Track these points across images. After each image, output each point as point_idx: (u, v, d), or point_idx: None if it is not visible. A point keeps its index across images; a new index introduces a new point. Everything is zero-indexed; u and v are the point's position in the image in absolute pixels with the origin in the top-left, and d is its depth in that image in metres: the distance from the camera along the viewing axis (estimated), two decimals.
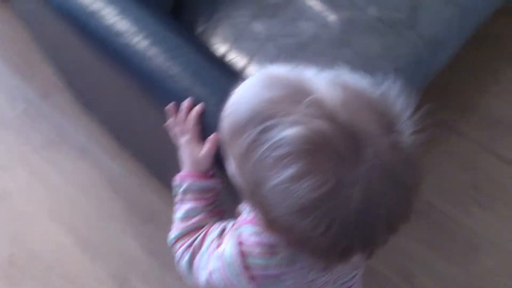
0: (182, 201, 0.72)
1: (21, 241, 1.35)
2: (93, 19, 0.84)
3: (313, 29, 1.11)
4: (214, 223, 0.69)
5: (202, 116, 0.73)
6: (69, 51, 1.06)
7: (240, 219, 0.64)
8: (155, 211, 1.34)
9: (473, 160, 1.41)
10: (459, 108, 1.48)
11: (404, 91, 0.52)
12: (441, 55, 1.15)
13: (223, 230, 0.65)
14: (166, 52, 0.79)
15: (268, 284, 0.60)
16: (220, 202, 0.74)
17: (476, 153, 1.42)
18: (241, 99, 0.53)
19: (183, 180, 0.72)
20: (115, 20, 0.83)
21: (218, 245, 0.63)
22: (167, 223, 0.73)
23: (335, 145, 0.46)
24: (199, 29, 1.16)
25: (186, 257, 0.67)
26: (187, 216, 0.71)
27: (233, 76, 0.73)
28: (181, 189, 0.72)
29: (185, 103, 0.74)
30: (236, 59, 1.10)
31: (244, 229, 0.60)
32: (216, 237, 0.64)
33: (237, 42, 1.13)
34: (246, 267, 0.58)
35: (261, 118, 0.48)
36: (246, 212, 0.63)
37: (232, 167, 0.54)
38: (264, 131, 0.48)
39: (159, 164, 1.20)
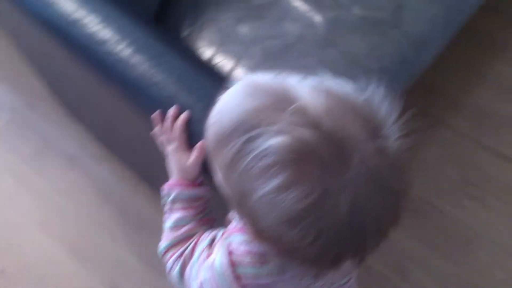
0: (171, 210, 0.72)
1: (12, 253, 1.34)
2: (75, 28, 0.83)
3: (298, 29, 1.11)
4: (204, 232, 0.68)
5: (188, 124, 0.73)
6: (53, 60, 1.04)
7: (230, 227, 0.63)
8: (147, 217, 1.33)
9: (463, 154, 1.42)
10: (447, 104, 1.48)
11: (388, 96, 0.51)
12: (426, 53, 1.15)
13: (213, 240, 0.64)
14: (150, 60, 0.79)
15: None
16: (210, 210, 0.73)
17: (467, 147, 1.43)
18: (224, 108, 0.52)
19: (171, 189, 0.72)
20: (98, 28, 0.82)
21: (208, 255, 0.62)
22: (159, 230, 0.73)
23: (320, 154, 0.46)
24: (185, 32, 1.16)
25: (177, 267, 0.67)
26: (176, 226, 0.70)
27: (219, 82, 0.72)
28: (170, 198, 0.72)
29: (171, 111, 0.73)
30: (223, 62, 1.10)
31: (234, 238, 0.60)
32: (206, 246, 0.64)
33: (223, 45, 1.12)
34: (237, 277, 0.58)
35: (246, 128, 0.48)
36: (236, 221, 0.63)
37: (218, 176, 0.54)
38: (249, 141, 0.47)
39: (149, 170, 1.20)
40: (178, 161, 0.72)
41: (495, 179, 1.38)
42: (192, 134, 0.73)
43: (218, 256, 0.60)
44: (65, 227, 1.36)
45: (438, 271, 1.28)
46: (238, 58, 1.10)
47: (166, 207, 0.72)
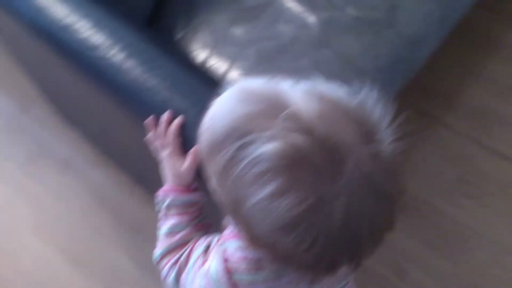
0: (166, 216, 0.71)
1: (7, 258, 1.33)
2: (67, 33, 0.82)
3: (292, 31, 1.11)
4: (200, 238, 0.68)
5: (182, 129, 0.72)
6: (45, 65, 1.04)
7: (225, 233, 0.63)
8: (142, 221, 1.32)
9: (460, 152, 1.42)
10: (443, 103, 1.48)
11: (381, 99, 0.51)
12: (421, 53, 1.15)
13: (208, 246, 0.64)
14: (142, 64, 0.78)
15: None
16: (205, 216, 0.73)
17: (463, 145, 1.42)
18: (217, 115, 0.52)
19: (166, 195, 0.71)
20: (90, 33, 0.82)
21: (204, 262, 0.62)
22: (155, 234, 0.72)
23: (313, 160, 0.45)
24: (178, 35, 1.15)
25: (173, 274, 0.66)
26: (171, 232, 0.70)
27: (213, 85, 0.72)
28: (164, 204, 0.71)
29: (164, 116, 0.73)
30: (217, 64, 1.09)
31: (229, 244, 0.60)
32: (202, 253, 0.63)
33: (217, 47, 1.12)
34: (233, 284, 0.58)
35: (238, 135, 0.48)
36: (231, 226, 0.63)
37: (212, 182, 0.53)
38: (242, 147, 0.47)
39: (145, 174, 1.19)
40: (172, 167, 0.72)
41: (493, 178, 1.38)
42: (186, 139, 0.72)
43: (213, 263, 0.60)
44: (60, 232, 1.35)
45: (437, 271, 1.27)
46: (233, 60, 1.09)
47: (161, 213, 0.72)
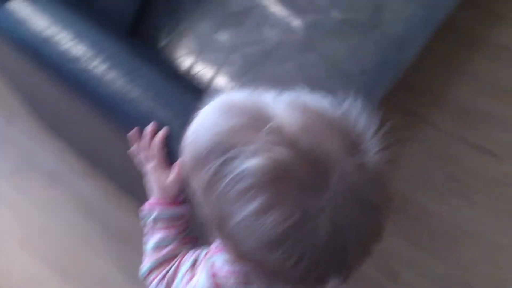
0: (152, 230, 0.70)
1: None
2: (47, 46, 0.81)
3: (277, 35, 1.10)
4: (188, 252, 0.67)
5: (167, 141, 0.71)
6: (27, 77, 1.02)
7: (213, 247, 0.62)
8: (131, 232, 1.31)
9: (446, 151, 1.42)
10: (429, 101, 1.48)
11: (366, 108, 0.50)
12: (407, 53, 1.15)
13: (196, 260, 0.63)
14: (125, 75, 0.77)
15: None
16: (192, 229, 0.72)
17: (450, 144, 1.43)
18: (200, 129, 0.51)
19: (152, 208, 0.70)
20: (70, 45, 0.80)
21: (191, 277, 0.61)
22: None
23: (297, 174, 0.45)
24: (162, 43, 1.14)
25: None
26: (158, 246, 0.69)
27: (198, 94, 0.71)
28: (151, 218, 0.70)
29: (148, 128, 0.72)
30: (203, 71, 1.08)
31: (216, 258, 0.59)
32: (189, 268, 0.63)
33: (202, 53, 1.11)
34: None
35: (221, 150, 0.47)
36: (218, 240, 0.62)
37: (196, 198, 0.52)
38: (225, 163, 0.46)
39: (132, 183, 1.18)
40: (157, 180, 0.71)
41: (480, 175, 1.38)
42: (171, 151, 0.71)
43: (201, 278, 0.59)
44: (47, 245, 1.33)
45: (428, 271, 1.27)
46: (219, 66, 1.08)
47: (147, 227, 0.71)
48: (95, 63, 0.78)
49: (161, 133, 0.71)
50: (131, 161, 0.78)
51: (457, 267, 1.27)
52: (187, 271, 0.63)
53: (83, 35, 0.81)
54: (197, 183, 0.50)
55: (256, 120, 0.47)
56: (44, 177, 1.41)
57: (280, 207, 0.44)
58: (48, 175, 1.41)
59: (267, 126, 0.46)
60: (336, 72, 1.05)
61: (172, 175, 0.70)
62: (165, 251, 0.68)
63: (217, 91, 0.54)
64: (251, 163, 0.45)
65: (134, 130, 0.73)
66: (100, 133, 0.93)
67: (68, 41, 0.80)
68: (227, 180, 0.46)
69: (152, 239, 0.69)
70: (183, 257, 0.66)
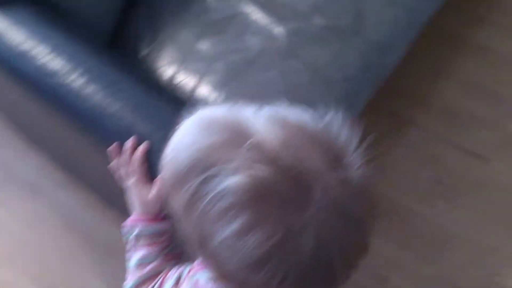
0: (135, 247, 0.69)
1: None
2: (23, 60, 0.80)
3: (259, 43, 1.09)
4: (172, 268, 0.66)
5: (147, 155, 0.70)
6: (4, 92, 1.00)
7: (196, 263, 0.61)
8: (116, 244, 1.28)
9: (433, 153, 1.42)
10: (413, 103, 1.48)
11: (347, 121, 0.50)
12: (390, 57, 1.15)
13: (179, 277, 0.62)
14: (104, 89, 0.76)
15: None
16: (176, 244, 0.70)
17: (436, 146, 1.43)
18: (179, 146, 0.50)
19: (133, 225, 0.69)
20: (48, 59, 0.79)
21: None
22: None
23: (279, 191, 0.44)
24: (143, 52, 1.12)
25: None
26: (141, 263, 0.67)
27: (179, 106, 0.70)
28: (132, 235, 0.69)
29: (128, 143, 0.70)
30: (185, 81, 1.07)
31: (200, 276, 0.58)
32: (173, 285, 0.62)
33: (184, 63, 1.09)
34: None
35: (201, 168, 0.46)
36: None
37: (177, 217, 0.51)
38: (205, 181, 0.45)
39: (115, 197, 1.16)
40: (139, 195, 0.70)
41: (466, 177, 1.39)
42: (152, 166, 0.70)
43: None
44: (31, 261, 1.31)
45: (417, 274, 1.27)
46: (201, 75, 1.07)
47: (129, 244, 0.70)
48: (73, 77, 0.77)
49: (141, 148, 0.70)
50: (112, 176, 0.77)
51: (445, 269, 1.27)
52: None
53: (61, 48, 0.80)
54: (177, 202, 0.49)
55: (236, 137, 0.46)
56: (24, 190, 1.38)
57: (262, 226, 0.43)
58: (29, 187, 1.39)
59: (248, 142, 0.45)
60: (319, 78, 1.05)
61: (153, 190, 0.68)
62: (148, 268, 0.67)
63: (196, 106, 0.53)
64: (231, 181, 0.44)
65: (114, 145, 0.72)
66: (80, 147, 0.91)
67: (45, 55, 0.79)
68: (207, 199, 0.45)
69: (135, 256, 0.68)
70: (166, 274, 0.65)
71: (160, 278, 0.65)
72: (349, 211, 0.47)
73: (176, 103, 0.79)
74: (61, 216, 1.35)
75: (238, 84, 1.05)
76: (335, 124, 0.49)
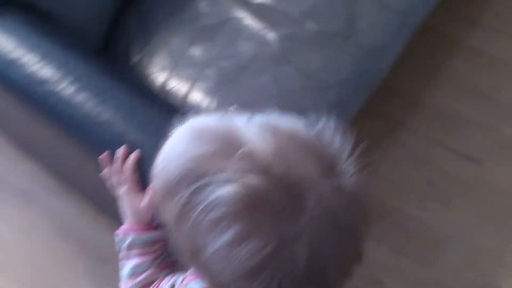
0: (127, 257, 0.68)
1: None
2: (13, 69, 0.79)
3: (252, 48, 1.09)
4: (165, 277, 0.65)
5: (139, 163, 0.70)
6: None
7: (188, 273, 0.60)
8: (110, 251, 1.26)
9: (425, 156, 1.42)
10: (406, 105, 1.48)
11: (340, 128, 0.50)
12: (383, 61, 1.15)
13: (172, 287, 0.62)
14: (94, 97, 0.75)
15: None
16: (170, 253, 0.70)
17: (429, 148, 1.43)
18: (170, 156, 0.49)
19: (126, 234, 0.68)
20: (37, 67, 0.78)
21: None
22: None
23: (271, 201, 0.43)
24: (135, 58, 1.11)
25: None
26: (134, 273, 0.67)
27: (171, 113, 0.69)
28: (125, 244, 0.68)
29: (119, 152, 0.70)
30: (177, 87, 1.06)
31: (193, 285, 0.57)
32: None
33: (176, 69, 1.09)
34: None
35: (193, 178, 0.45)
36: None
37: (168, 227, 0.51)
38: (197, 191, 0.45)
39: (108, 204, 1.15)
40: (131, 204, 0.69)
41: (459, 180, 1.39)
42: (144, 174, 0.69)
43: None
44: (24, 269, 1.29)
45: (412, 277, 1.27)
46: (193, 81, 1.07)
47: (122, 253, 0.69)
48: (63, 85, 0.76)
49: (132, 156, 0.69)
50: (104, 184, 0.76)
51: (440, 272, 1.27)
52: None
53: (51, 56, 0.79)
54: (169, 213, 0.48)
55: (227, 146, 0.46)
56: (17, 198, 1.37)
57: (255, 236, 0.43)
58: (21, 195, 1.38)
59: (239, 152, 0.45)
60: (312, 84, 1.05)
61: (145, 199, 0.68)
62: (141, 277, 0.66)
63: (188, 114, 0.53)
64: (223, 191, 0.43)
65: (105, 154, 0.71)
66: (71, 156, 0.90)
67: (34, 63, 0.78)
68: (199, 209, 0.44)
69: (128, 265, 0.68)
70: (159, 283, 0.64)
71: (153, 287, 0.64)
72: (342, 219, 0.46)
73: (168, 111, 0.78)
74: (54, 224, 1.34)
75: (230, 90, 1.05)
76: (328, 131, 0.49)
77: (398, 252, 1.29)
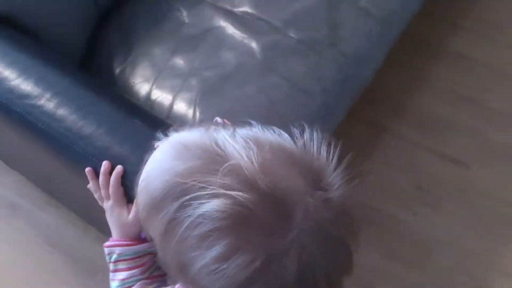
0: (116, 270, 0.67)
1: None
2: None
3: (236, 58, 1.08)
4: None
5: (124, 178, 0.69)
6: None
7: (178, 286, 0.59)
8: (99, 261, 1.25)
9: (412, 161, 1.43)
10: (391, 111, 1.49)
11: (325, 140, 0.49)
12: (366, 68, 1.15)
13: None
14: (76, 111, 0.74)
15: None
16: (158, 265, 0.69)
17: (414, 153, 1.43)
18: (153, 173, 0.48)
19: (113, 247, 0.67)
20: (17, 82, 0.77)
21: None
22: None
23: (258, 216, 0.43)
24: (117, 70, 1.10)
25: None
26: (123, 287, 0.66)
27: (154, 127, 0.69)
28: (113, 257, 0.67)
29: (102, 168, 0.69)
30: (160, 98, 1.05)
31: None
32: None
33: (158, 80, 1.08)
34: None
35: (177, 193, 0.44)
36: None
37: (154, 244, 0.50)
38: (182, 207, 0.44)
39: (96, 214, 1.14)
40: (117, 218, 0.68)
41: (447, 184, 1.39)
42: (129, 188, 0.68)
43: None
44: (15, 281, 1.28)
45: (404, 282, 1.27)
46: (176, 92, 1.06)
47: (111, 267, 0.68)
48: (44, 99, 0.75)
49: (116, 172, 0.68)
50: (90, 196, 0.75)
51: (432, 277, 1.27)
52: None
53: (30, 71, 0.78)
54: (154, 229, 0.47)
55: (212, 162, 0.45)
56: (5, 210, 1.36)
57: (243, 252, 0.42)
58: (9, 208, 1.36)
59: (224, 167, 0.44)
60: (297, 92, 1.05)
61: (132, 213, 0.67)
62: None
63: (171, 128, 0.52)
64: (209, 206, 0.43)
65: (89, 168, 0.70)
66: (55, 169, 0.89)
67: (14, 78, 0.77)
68: (184, 225, 0.43)
69: (117, 279, 0.67)
70: None
71: None
72: (330, 232, 0.46)
73: (152, 123, 0.77)
74: (43, 235, 1.33)
75: (214, 100, 1.04)
76: (313, 143, 0.48)
77: (389, 256, 1.29)
